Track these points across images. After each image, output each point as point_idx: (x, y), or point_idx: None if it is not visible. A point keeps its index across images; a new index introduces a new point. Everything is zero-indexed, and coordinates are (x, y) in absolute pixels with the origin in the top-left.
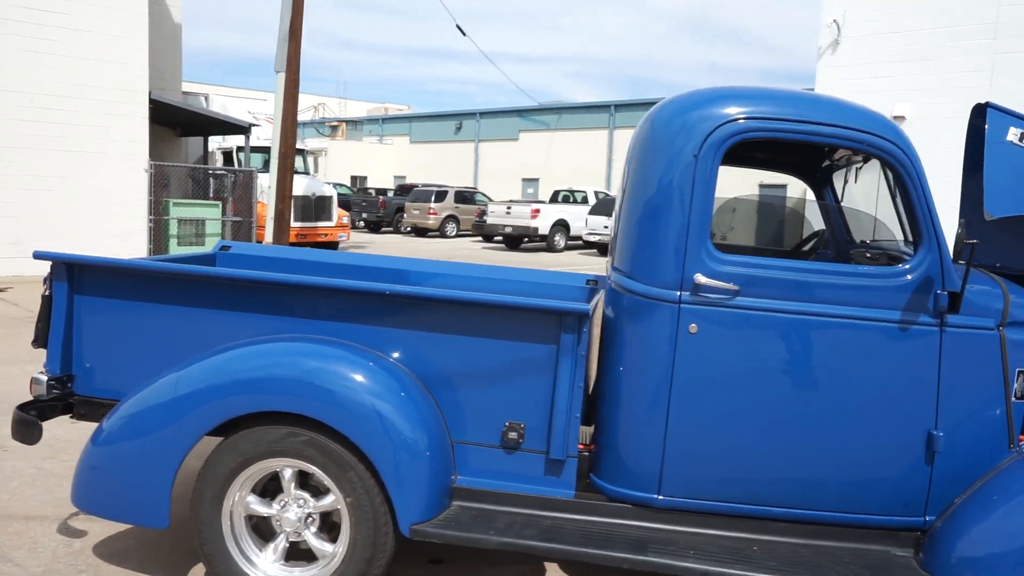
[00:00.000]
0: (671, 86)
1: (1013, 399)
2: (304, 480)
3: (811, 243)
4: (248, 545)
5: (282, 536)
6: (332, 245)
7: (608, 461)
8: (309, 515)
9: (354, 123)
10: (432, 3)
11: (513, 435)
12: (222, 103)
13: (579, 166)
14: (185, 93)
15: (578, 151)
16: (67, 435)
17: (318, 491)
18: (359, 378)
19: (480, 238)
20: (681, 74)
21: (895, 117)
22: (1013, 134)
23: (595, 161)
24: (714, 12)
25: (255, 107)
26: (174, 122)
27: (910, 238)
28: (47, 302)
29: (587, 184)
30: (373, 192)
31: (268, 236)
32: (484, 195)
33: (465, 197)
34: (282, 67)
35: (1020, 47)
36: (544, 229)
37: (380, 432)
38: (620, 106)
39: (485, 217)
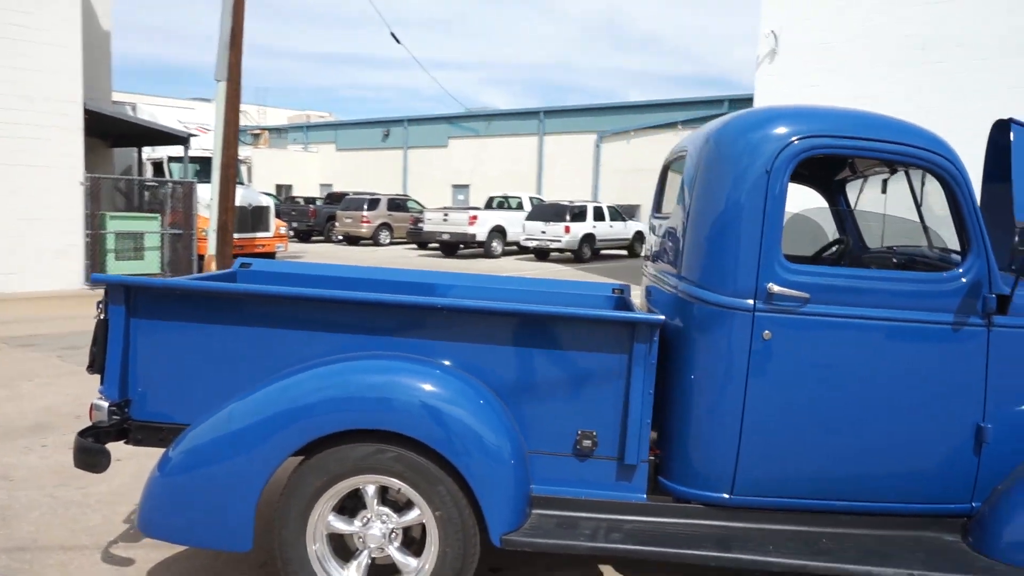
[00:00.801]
0: (588, 91)
1: None
2: (383, 496)
3: (833, 250)
4: (331, 564)
5: (364, 553)
6: (270, 256)
7: (679, 464)
8: (392, 530)
9: (278, 131)
10: (350, 10)
11: (587, 443)
12: (150, 112)
13: (510, 172)
14: (114, 103)
15: (508, 157)
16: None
17: (398, 506)
18: (445, 393)
19: (415, 246)
20: (596, 79)
21: None
22: None
23: (526, 167)
24: (627, 19)
25: (185, 116)
26: (105, 133)
27: (944, 245)
28: (103, 326)
29: (518, 190)
30: (302, 201)
31: (210, 248)
32: (417, 202)
33: (398, 204)
34: (223, 76)
35: (945, 59)
36: (482, 235)
37: (470, 445)
38: (550, 112)
39: (421, 224)
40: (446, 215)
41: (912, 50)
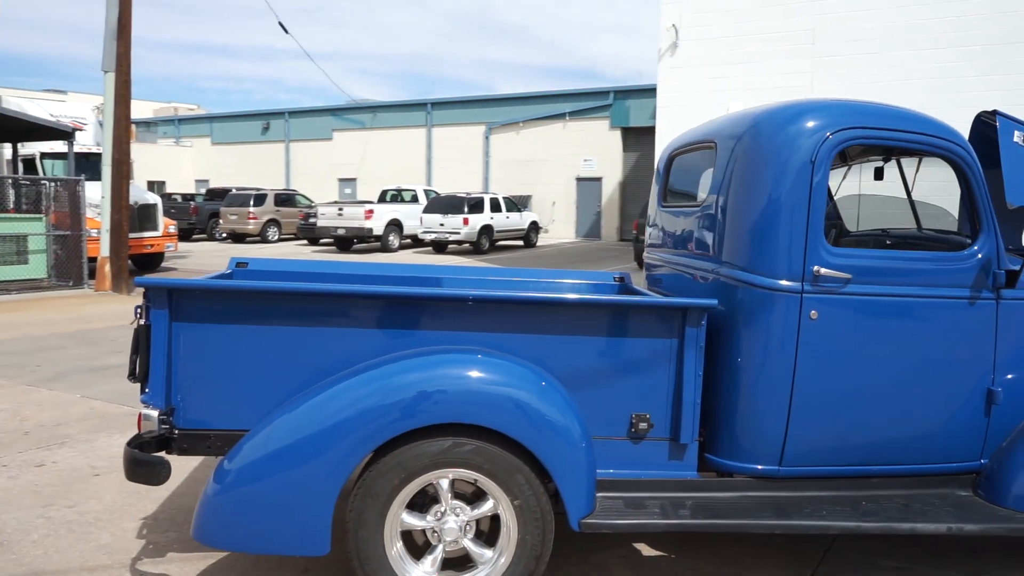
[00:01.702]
0: (457, 82)
1: None
2: (453, 489)
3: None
4: (407, 561)
5: (439, 547)
6: (159, 257)
7: (729, 440)
8: (466, 523)
9: (146, 124)
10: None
11: (643, 425)
12: (18, 104)
13: (398, 165)
14: None
15: (396, 150)
16: (49, 480)
17: (468, 499)
18: (518, 383)
19: (306, 241)
20: (463, 70)
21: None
22: (1017, 136)
23: (414, 159)
24: (493, 11)
25: (56, 109)
26: None
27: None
28: (144, 332)
29: (408, 183)
30: (180, 198)
31: (103, 250)
32: (305, 197)
33: (286, 200)
34: (111, 67)
35: (835, 52)
36: (378, 229)
37: (546, 432)
38: (438, 104)
39: (314, 219)
40: (341, 209)
41: (804, 43)
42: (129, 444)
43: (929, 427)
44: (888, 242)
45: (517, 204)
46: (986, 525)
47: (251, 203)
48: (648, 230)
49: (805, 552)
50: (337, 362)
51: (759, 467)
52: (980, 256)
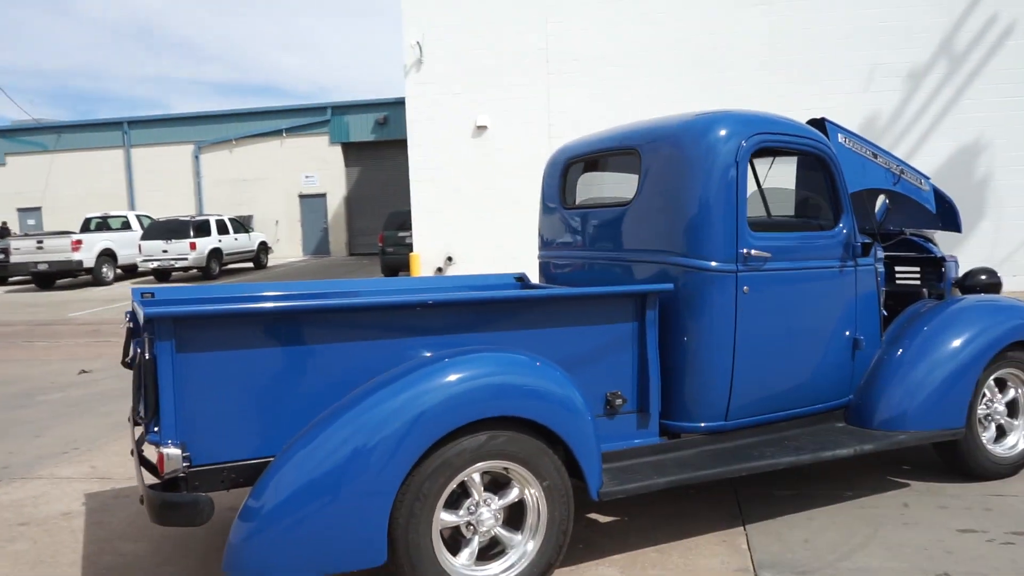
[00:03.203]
0: (123, 100)
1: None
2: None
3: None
4: (448, 556)
5: (475, 539)
6: None
7: (685, 404)
8: (497, 511)
9: None
10: None
11: (619, 402)
12: None
13: (91, 190)
14: None
15: (88, 174)
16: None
17: (492, 489)
18: (543, 374)
19: None
20: (129, 86)
21: (478, 127)
22: (842, 139)
23: (111, 183)
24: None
25: None
26: None
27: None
28: (150, 367)
29: (105, 208)
30: None
31: None
32: None
33: None
34: None
35: (567, 69)
36: (89, 261)
37: (567, 416)
38: (135, 123)
39: (6, 255)
40: (40, 242)
41: (539, 62)
42: (152, 488)
43: (821, 372)
44: (782, 225)
45: (244, 225)
46: (875, 444)
47: None
48: (545, 234)
49: (721, 497)
50: (353, 375)
51: (712, 424)
52: (844, 233)
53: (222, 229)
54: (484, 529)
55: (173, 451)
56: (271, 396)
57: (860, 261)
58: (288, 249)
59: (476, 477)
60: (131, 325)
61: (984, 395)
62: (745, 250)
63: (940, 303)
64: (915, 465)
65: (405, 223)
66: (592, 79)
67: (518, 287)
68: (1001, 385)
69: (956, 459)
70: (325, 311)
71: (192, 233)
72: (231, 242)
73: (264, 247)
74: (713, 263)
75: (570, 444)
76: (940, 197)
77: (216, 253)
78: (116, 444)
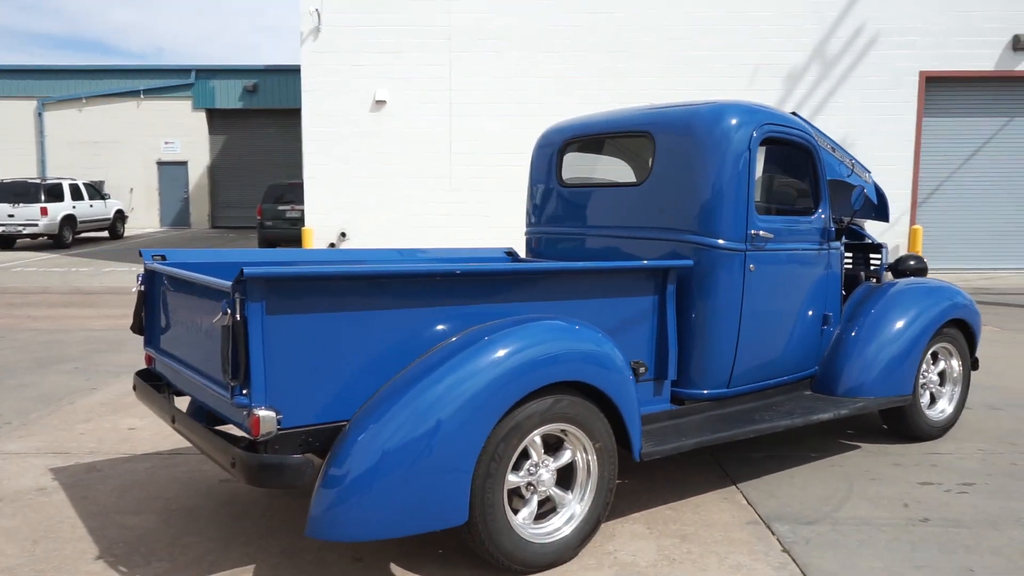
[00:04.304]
0: None
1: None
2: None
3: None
4: (512, 515)
5: (534, 498)
6: None
7: (694, 372)
8: (553, 472)
9: None
10: None
11: (642, 370)
12: None
13: None
14: None
15: None
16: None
17: (547, 451)
18: (601, 341)
19: None
20: None
21: (377, 101)
22: (812, 134)
23: None
24: None
25: None
26: None
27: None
28: (242, 328)
29: None
30: None
31: None
32: None
33: None
34: None
35: (470, 48)
36: None
37: (622, 382)
38: None
39: None
40: None
41: (441, 39)
42: (245, 449)
43: (801, 344)
44: (775, 209)
45: (99, 191)
46: (848, 409)
47: None
48: (539, 210)
49: (703, 461)
50: (415, 341)
51: (714, 391)
52: (823, 218)
53: (76, 194)
54: (543, 489)
55: (267, 413)
56: (345, 361)
57: (831, 244)
58: (144, 219)
59: (537, 440)
60: (142, 288)
61: (921, 366)
62: (753, 231)
63: (885, 285)
64: (858, 430)
65: (284, 196)
66: (496, 59)
67: (509, 261)
68: (934, 357)
69: (901, 423)
70: (411, 276)
71: (43, 197)
72: (86, 209)
73: (121, 215)
74: (727, 242)
75: (620, 407)
76: (878, 190)
77: (69, 220)
78: (54, 418)
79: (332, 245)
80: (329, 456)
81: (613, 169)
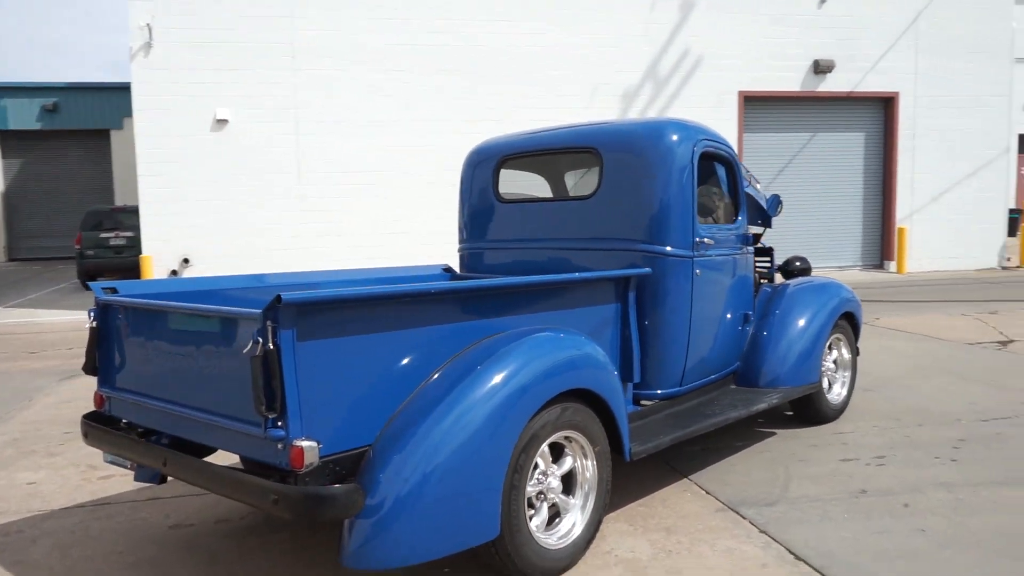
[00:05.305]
0: None
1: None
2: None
3: None
4: (530, 524)
5: (544, 506)
6: None
7: (651, 373)
8: (559, 479)
9: None
10: None
11: None
12: None
13: None
14: None
15: None
16: None
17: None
18: (595, 350)
19: None
20: None
21: (219, 120)
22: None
23: None
24: None
25: None
26: None
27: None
28: (275, 357)
29: None
30: None
31: None
32: None
33: None
34: None
35: (316, 65)
36: None
37: (615, 388)
38: None
39: None
40: None
41: (285, 56)
42: (293, 484)
43: (730, 342)
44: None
45: None
46: (777, 398)
47: None
48: (476, 226)
49: (649, 458)
50: (427, 359)
51: (667, 391)
52: (744, 226)
53: None
54: (552, 496)
55: (310, 444)
56: (367, 383)
57: (747, 249)
58: None
59: (545, 448)
60: (95, 324)
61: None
62: (698, 238)
63: (783, 286)
64: (767, 418)
65: (106, 222)
66: (343, 76)
67: (447, 278)
68: (829, 348)
69: (808, 408)
70: (437, 294)
71: None
72: None
73: None
74: (675, 249)
75: (614, 411)
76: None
77: None
78: None
79: (174, 273)
80: (362, 484)
81: (552, 184)
